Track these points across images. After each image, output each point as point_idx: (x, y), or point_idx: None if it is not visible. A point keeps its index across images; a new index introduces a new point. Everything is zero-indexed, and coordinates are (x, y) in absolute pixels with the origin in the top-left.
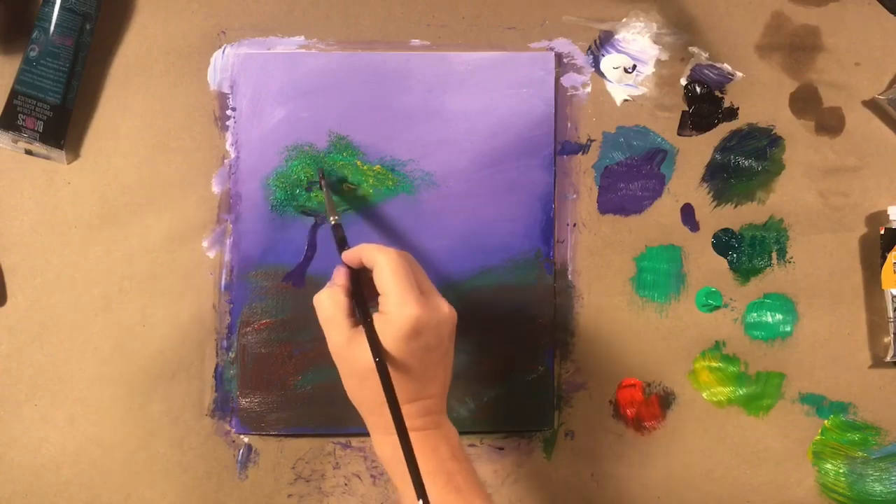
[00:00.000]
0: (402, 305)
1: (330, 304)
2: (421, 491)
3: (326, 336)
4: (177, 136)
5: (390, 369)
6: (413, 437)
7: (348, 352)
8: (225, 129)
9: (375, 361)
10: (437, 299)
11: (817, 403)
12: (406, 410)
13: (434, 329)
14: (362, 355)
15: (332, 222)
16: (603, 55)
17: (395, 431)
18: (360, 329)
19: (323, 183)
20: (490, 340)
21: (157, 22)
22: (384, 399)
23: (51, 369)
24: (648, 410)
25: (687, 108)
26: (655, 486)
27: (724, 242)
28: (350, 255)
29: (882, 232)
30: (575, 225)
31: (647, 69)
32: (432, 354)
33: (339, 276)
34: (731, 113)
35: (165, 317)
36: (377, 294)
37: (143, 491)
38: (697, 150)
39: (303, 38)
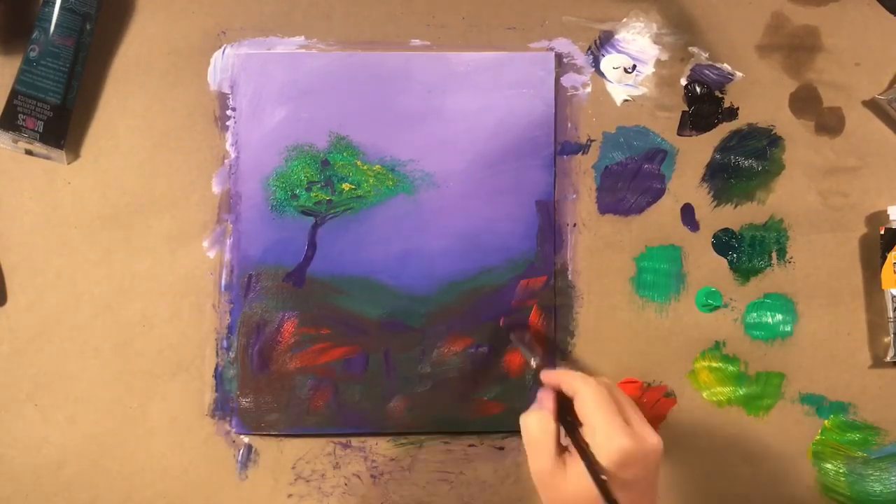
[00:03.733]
0: (609, 437)
1: (538, 428)
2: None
3: (530, 459)
4: (177, 136)
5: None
6: None
7: (554, 478)
8: (225, 129)
9: (598, 484)
10: (644, 429)
11: (817, 403)
12: None
13: (641, 461)
14: (572, 482)
15: (534, 365)
16: (603, 55)
17: None
18: (567, 457)
19: (516, 339)
20: (490, 340)
21: (157, 22)
22: None
23: (51, 369)
24: (648, 410)
25: (687, 108)
26: None
27: (724, 242)
28: (549, 380)
29: (882, 232)
30: (575, 225)
31: (647, 69)
32: (639, 487)
33: (547, 401)
34: (731, 113)
35: (165, 317)
36: (580, 423)
37: (143, 491)
38: (697, 150)
39: (303, 38)
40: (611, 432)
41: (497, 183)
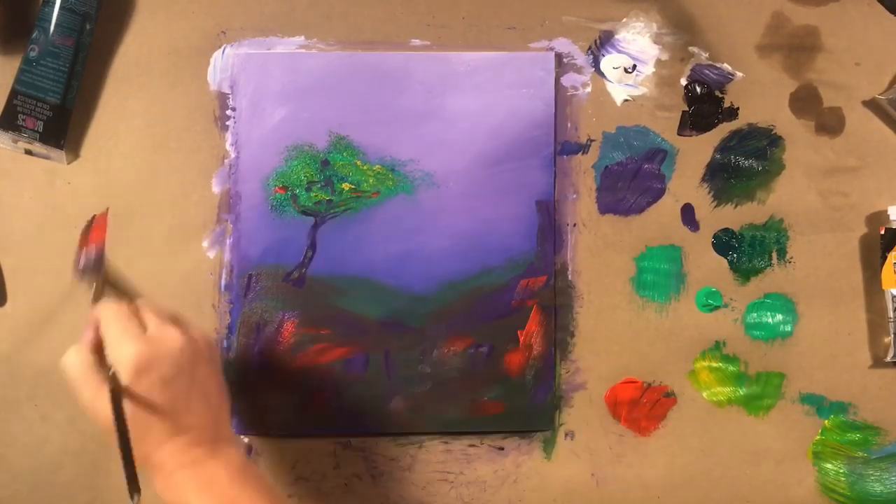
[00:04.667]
0: (119, 348)
1: (74, 362)
2: (133, 486)
3: (77, 396)
4: (177, 136)
5: (133, 415)
6: (183, 474)
7: (96, 407)
8: (225, 129)
9: (111, 401)
10: (167, 329)
11: (817, 403)
12: (168, 449)
13: (166, 360)
14: (106, 408)
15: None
16: (603, 55)
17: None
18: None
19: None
20: (490, 340)
21: (157, 22)
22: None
23: (51, 369)
24: (648, 410)
25: (687, 108)
26: (655, 486)
27: (725, 242)
28: (92, 316)
29: (882, 232)
30: (575, 225)
31: (647, 69)
32: (175, 386)
33: (86, 334)
34: (731, 113)
35: None
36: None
37: (144, 491)
38: (697, 150)
39: (303, 38)
40: (119, 343)
41: (497, 183)
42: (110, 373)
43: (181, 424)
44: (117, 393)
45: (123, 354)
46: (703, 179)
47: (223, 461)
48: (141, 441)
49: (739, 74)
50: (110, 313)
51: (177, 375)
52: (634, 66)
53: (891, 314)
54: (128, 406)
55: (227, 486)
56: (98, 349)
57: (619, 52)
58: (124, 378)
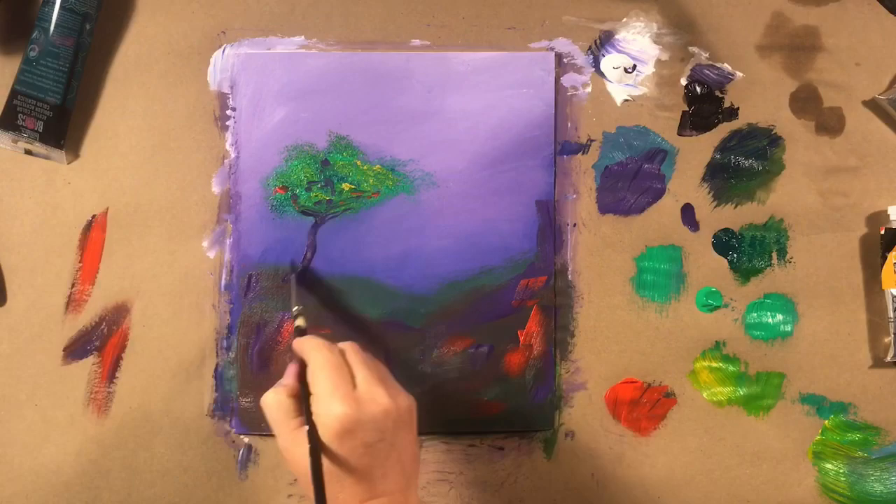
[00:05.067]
0: (327, 405)
1: (273, 405)
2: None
3: (276, 437)
4: (177, 136)
5: (330, 473)
6: None
7: (294, 455)
8: (225, 129)
9: (311, 456)
10: (375, 391)
11: (817, 403)
12: None
13: (370, 424)
14: (303, 457)
15: (294, 312)
16: (603, 55)
17: None
18: (304, 430)
19: (292, 278)
20: (490, 340)
21: (157, 22)
22: (339, 497)
23: (51, 369)
24: (648, 410)
25: (687, 108)
26: (655, 486)
27: (725, 242)
28: (295, 349)
29: (882, 232)
30: (575, 225)
31: (647, 69)
32: (375, 451)
33: (288, 375)
34: (731, 113)
35: (165, 317)
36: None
37: (143, 491)
38: (697, 150)
39: (303, 38)
40: (329, 400)
41: (497, 183)
42: (308, 429)
43: (376, 490)
44: (316, 449)
45: (331, 414)
46: (703, 179)
47: None
48: (334, 500)
49: (739, 74)
50: (320, 360)
51: (379, 441)
52: (634, 66)
53: (891, 314)
54: (326, 463)
55: None
56: (294, 393)
57: (619, 52)
58: (327, 437)
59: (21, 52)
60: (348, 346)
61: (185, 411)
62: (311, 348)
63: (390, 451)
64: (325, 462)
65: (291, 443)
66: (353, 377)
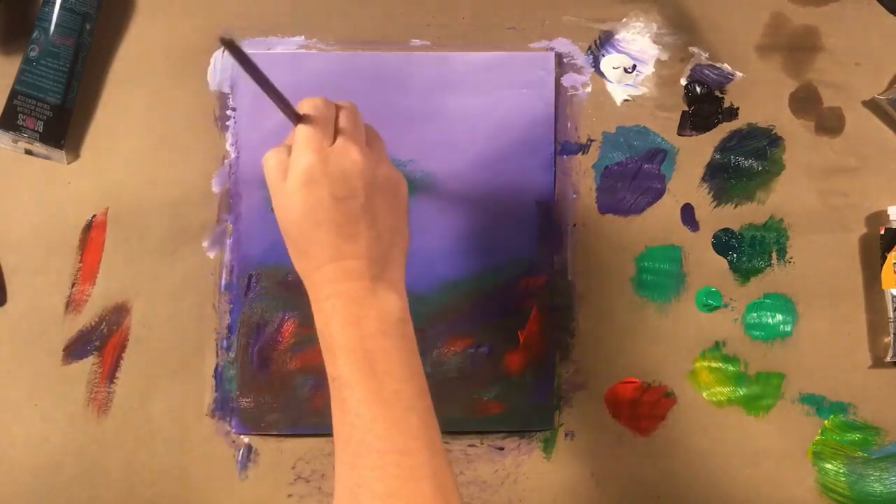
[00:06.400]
0: (298, 154)
1: (273, 163)
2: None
3: (272, 196)
4: (177, 136)
5: (299, 224)
6: (334, 303)
7: (287, 213)
8: (225, 129)
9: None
10: (350, 148)
11: (817, 403)
12: (326, 272)
13: (338, 176)
14: (293, 214)
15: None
16: (603, 55)
17: (325, 296)
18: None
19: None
20: (490, 340)
21: (157, 22)
22: (310, 251)
23: (51, 369)
24: (648, 410)
25: (687, 108)
26: (655, 486)
27: (724, 242)
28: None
29: (882, 232)
30: (575, 225)
31: (647, 69)
32: (346, 207)
33: (290, 137)
34: (731, 113)
35: (165, 317)
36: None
37: (143, 491)
38: (697, 150)
39: (303, 38)
40: (301, 149)
41: (497, 183)
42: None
43: (343, 249)
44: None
45: (299, 161)
46: (703, 179)
47: (377, 306)
48: (304, 254)
49: (739, 74)
50: (312, 109)
51: (349, 198)
52: (634, 66)
53: (891, 314)
54: (296, 215)
55: (372, 335)
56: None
57: (619, 52)
58: (294, 185)
59: (21, 52)
60: (346, 105)
61: (185, 411)
62: (308, 99)
63: (362, 214)
64: (295, 213)
65: (285, 200)
66: (336, 133)
